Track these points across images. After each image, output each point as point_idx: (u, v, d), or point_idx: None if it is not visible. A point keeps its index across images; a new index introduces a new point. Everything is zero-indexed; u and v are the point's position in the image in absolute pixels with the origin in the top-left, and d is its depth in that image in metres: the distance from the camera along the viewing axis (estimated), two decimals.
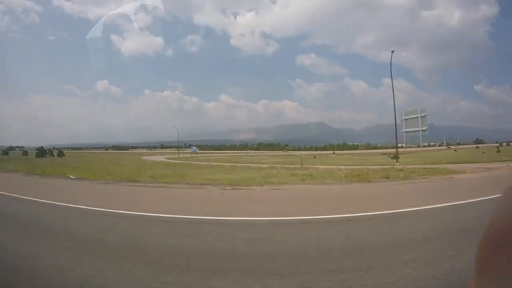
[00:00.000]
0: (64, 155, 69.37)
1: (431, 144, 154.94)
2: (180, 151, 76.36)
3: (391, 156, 31.20)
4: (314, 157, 44.91)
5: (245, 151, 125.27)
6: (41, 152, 65.67)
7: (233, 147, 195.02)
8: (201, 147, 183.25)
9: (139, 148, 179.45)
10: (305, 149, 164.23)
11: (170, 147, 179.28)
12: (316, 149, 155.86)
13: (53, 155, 63.30)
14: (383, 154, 53.86)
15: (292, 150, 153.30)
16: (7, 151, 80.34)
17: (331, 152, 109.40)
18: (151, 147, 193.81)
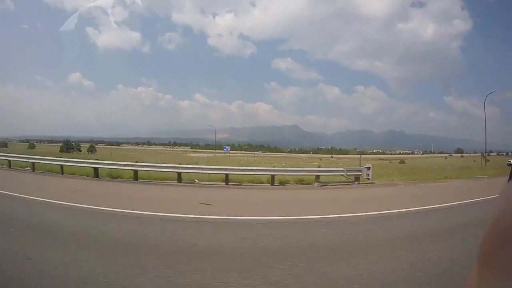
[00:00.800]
0: (95, 150, 60.66)
1: (405, 152, 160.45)
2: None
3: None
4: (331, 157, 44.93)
5: (253, 152, 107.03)
6: (67, 146, 56.45)
7: (207, 146, 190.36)
8: (176, 145, 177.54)
9: (116, 143, 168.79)
10: (287, 151, 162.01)
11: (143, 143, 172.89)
12: (294, 152, 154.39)
13: (80, 150, 54.89)
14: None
15: (270, 151, 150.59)
16: (5, 143, 72.26)
17: (330, 155, 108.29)
18: (133, 143, 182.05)
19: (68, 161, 15.68)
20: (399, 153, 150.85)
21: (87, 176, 13.74)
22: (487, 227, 0.39)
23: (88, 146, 69.39)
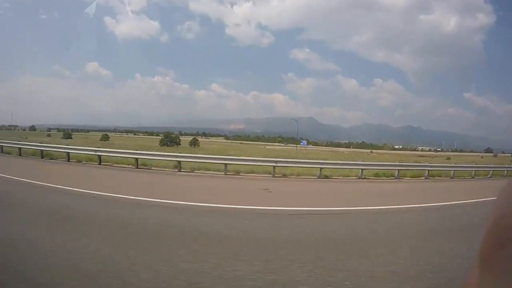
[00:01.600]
0: (199, 144, 56.61)
1: (423, 148, 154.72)
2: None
3: None
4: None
5: (294, 145, 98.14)
6: (168, 139, 50.92)
7: (225, 137, 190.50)
8: (192, 134, 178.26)
9: (128, 132, 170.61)
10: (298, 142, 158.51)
11: (158, 133, 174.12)
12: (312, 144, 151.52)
13: (179, 144, 50.00)
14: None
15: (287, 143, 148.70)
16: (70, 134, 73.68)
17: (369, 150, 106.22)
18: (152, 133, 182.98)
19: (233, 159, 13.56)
20: (421, 150, 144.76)
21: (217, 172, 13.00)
22: (487, 226, 0.39)
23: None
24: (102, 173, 11.88)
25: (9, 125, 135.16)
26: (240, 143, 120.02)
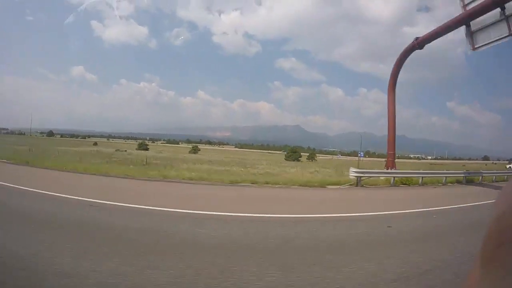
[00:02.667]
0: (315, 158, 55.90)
1: (414, 156, 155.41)
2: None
3: None
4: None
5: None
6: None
7: (210, 143, 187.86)
8: (177, 141, 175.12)
9: (115, 137, 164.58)
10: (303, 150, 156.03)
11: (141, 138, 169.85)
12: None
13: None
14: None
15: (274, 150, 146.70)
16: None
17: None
18: (132, 138, 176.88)
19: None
20: (414, 158, 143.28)
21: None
22: (488, 225, 0.39)
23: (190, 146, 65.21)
24: None
25: None
26: (254, 151, 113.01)
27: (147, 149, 49.72)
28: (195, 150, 53.75)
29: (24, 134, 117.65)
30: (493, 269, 0.37)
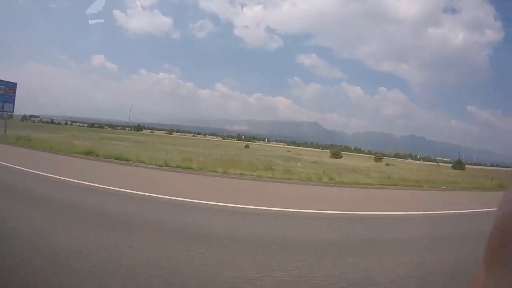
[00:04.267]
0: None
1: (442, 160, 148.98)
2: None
3: None
4: None
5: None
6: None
7: (228, 137, 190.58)
8: (195, 133, 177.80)
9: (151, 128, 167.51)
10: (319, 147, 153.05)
11: (161, 129, 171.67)
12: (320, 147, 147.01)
13: None
14: None
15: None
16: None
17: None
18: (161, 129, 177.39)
19: None
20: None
21: None
22: (493, 225, 0.40)
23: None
24: None
25: (28, 115, 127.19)
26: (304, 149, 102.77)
27: (338, 157, 43.78)
28: (336, 155, 45.90)
29: (58, 123, 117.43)
30: (497, 269, 0.38)
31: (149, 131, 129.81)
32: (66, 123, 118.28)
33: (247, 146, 57.21)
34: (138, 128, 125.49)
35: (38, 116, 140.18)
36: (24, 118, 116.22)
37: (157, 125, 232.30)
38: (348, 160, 41.51)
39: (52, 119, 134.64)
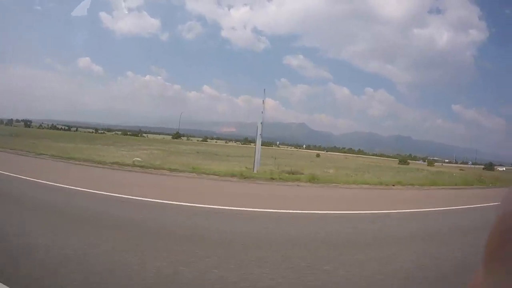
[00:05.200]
0: None
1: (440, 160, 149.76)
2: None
3: None
4: None
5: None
6: None
7: (215, 139, 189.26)
8: (188, 136, 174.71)
9: (115, 131, 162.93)
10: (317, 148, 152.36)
11: (149, 132, 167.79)
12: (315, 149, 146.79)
13: None
14: None
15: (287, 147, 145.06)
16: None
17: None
18: (137, 132, 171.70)
19: None
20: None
21: None
22: (492, 226, 0.40)
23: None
24: None
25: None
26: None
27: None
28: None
29: (59, 127, 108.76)
30: (496, 269, 0.38)
31: (185, 138, 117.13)
32: (70, 129, 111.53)
33: (318, 155, 53.34)
34: (178, 135, 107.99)
35: (19, 121, 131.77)
36: (9, 122, 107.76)
37: (145, 128, 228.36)
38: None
39: (44, 123, 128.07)
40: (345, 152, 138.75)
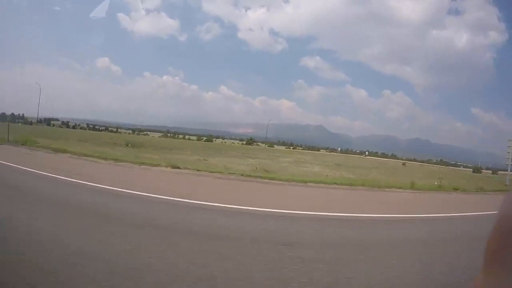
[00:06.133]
0: None
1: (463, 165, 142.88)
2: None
3: None
4: None
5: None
6: None
7: (232, 139, 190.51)
8: (201, 136, 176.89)
9: (129, 129, 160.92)
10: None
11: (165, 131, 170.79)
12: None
13: None
14: None
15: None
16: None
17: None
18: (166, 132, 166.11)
19: None
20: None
21: None
22: (493, 227, 0.40)
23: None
24: None
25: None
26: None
27: None
28: None
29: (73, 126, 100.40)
30: (496, 271, 0.38)
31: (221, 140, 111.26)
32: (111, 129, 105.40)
33: (404, 164, 48.40)
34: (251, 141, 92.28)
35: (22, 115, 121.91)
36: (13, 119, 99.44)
37: (162, 127, 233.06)
38: None
39: (65, 121, 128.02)
40: (371, 156, 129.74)
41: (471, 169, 59.63)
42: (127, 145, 25.74)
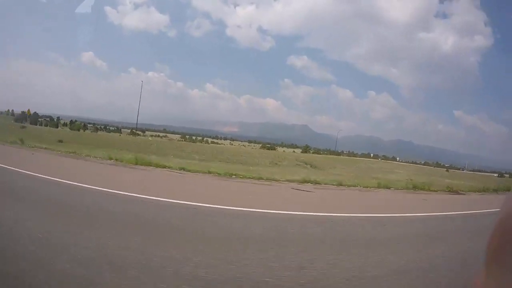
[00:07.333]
0: None
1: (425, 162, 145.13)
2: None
3: None
4: None
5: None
6: None
7: (217, 138, 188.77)
8: (188, 134, 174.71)
9: (119, 127, 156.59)
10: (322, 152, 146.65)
11: (154, 130, 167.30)
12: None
13: None
14: None
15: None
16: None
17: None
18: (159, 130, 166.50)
19: None
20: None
21: None
22: (494, 225, 0.40)
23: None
24: None
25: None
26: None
27: None
28: None
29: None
30: (497, 270, 0.38)
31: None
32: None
33: (447, 171, 43.21)
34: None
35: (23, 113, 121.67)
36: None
37: (150, 125, 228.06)
38: None
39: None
40: (352, 156, 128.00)
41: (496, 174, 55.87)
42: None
